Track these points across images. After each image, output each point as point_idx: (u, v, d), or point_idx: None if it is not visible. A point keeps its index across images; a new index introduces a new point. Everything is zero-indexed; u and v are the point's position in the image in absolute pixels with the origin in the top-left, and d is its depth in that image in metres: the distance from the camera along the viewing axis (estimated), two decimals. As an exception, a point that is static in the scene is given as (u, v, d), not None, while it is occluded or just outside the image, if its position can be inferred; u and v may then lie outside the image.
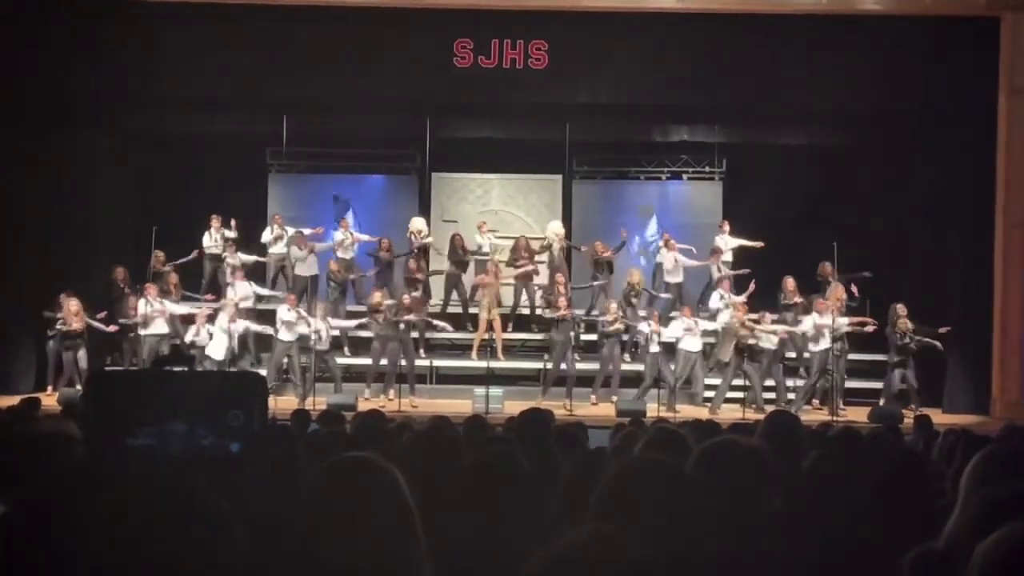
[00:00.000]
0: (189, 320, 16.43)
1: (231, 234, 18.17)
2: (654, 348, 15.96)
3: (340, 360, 16.94)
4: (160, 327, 16.19)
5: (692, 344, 16.13)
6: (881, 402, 16.03)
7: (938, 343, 15.82)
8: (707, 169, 19.55)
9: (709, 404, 15.98)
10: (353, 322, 16.74)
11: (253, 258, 17.93)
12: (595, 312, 17.19)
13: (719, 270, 17.73)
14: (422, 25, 16.49)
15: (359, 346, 17.19)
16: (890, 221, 18.92)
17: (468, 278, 18.20)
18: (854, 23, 16.43)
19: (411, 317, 16.21)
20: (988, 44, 16.19)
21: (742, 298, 16.56)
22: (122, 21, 16.18)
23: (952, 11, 16.18)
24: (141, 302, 16.20)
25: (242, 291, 16.84)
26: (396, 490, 2.55)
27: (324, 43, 16.56)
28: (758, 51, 16.41)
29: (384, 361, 16.32)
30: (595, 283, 17.80)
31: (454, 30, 16.49)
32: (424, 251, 18.07)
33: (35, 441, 3.03)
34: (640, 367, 16.69)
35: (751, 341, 15.99)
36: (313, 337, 15.86)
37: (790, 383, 16.42)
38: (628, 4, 16.29)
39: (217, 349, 15.89)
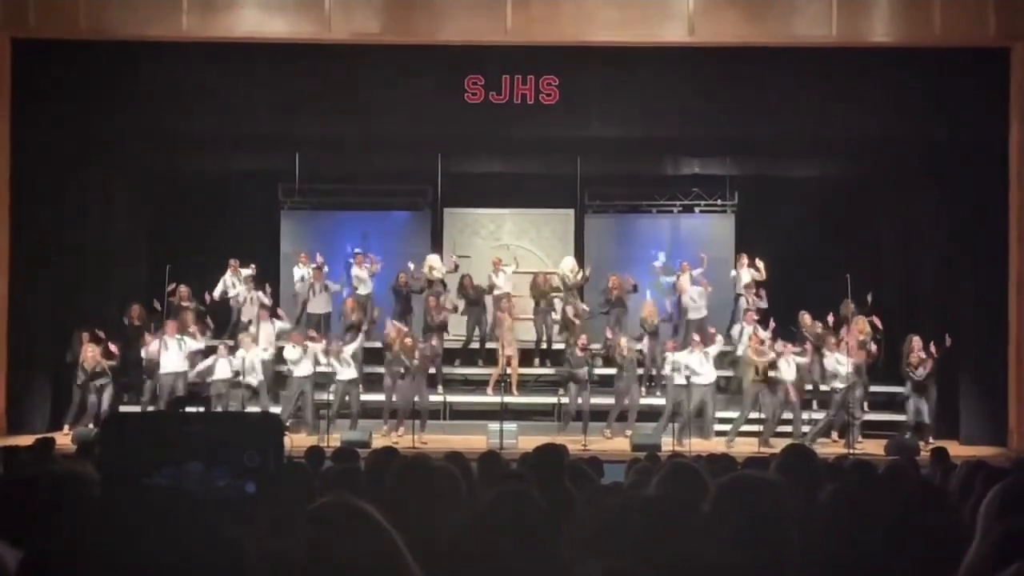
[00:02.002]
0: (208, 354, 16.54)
1: (248, 271, 18.19)
2: (678, 380, 15.95)
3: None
4: (177, 365, 16.19)
5: (703, 377, 16.09)
6: (907, 435, 15.87)
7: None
8: (719, 202, 19.54)
9: (724, 437, 15.94)
10: (352, 347, 16.65)
11: (271, 301, 17.89)
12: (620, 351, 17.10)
13: (747, 303, 17.69)
14: (433, 62, 16.58)
15: (373, 382, 17.18)
16: (903, 252, 18.88)
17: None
18: (864, 54, 16.48)
19: (415, 359, 16.18)
20: (999, 74, 16.21)
21: (767, 333, 16.51)
22: (135, 60, 16.32)
23: (962, 42, 16.21)
24: (155, 343, 16.24)
25: (265, 331, 16.88)
26: (376, 526, 2.52)
27: (336, 80, 16.65)
28: (769, 83, 16.45)
29: (395, 397, 16.34)
30: (604, 312, 17.76)
31: (465, 66, 16.57)
32: (443, 286, 18.06)
33: (51, 481, 3.03)
34: (654, 401, 16.72)
35: (771, 373, 15.93)
36: (324, 366, 16.02)
37: (805, 416, 16.35)
38: (638, 38, 16.35)
39: (253, 376, 16.13)
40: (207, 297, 17.78)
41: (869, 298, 17.05)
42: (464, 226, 20.18)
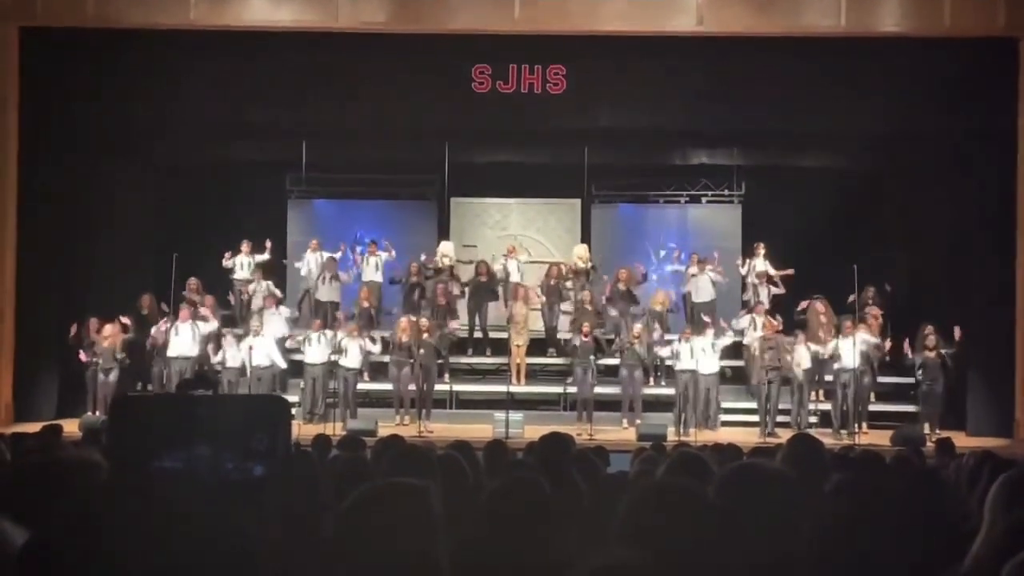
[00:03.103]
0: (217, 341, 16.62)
1: (263, 257, 18.27)
2: (681, 366, 15.97)
3: (360, 386, 16.99)
4: (187, 350, 16.22)
5: (707, 366, 16.10)
6: (926, 427, 15.85)
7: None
8: (726, 192, 19.51)
9: (733, 428, 15.96)
10: (376, 347, 16.77)
11: (279, 293, 17.94)
12: (622, 337, 17.11)
13: (757, 295, 17.67)
14: (440, 51, 16.56)
15: (379, 372, 17.21)
16: (911, 243, 18.84)
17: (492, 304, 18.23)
18: (873, 45, 16.42)
19: (426, 337, 16.25)
20: (1007, 64, 16.17)
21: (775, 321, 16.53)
22: (143, 49, 16.32)
23: (972, 32, 16.14)
24: (164, 325, 16.27)
25: (273, 320, 16.93)
26: (430, 519, 2.57)
27: (343, 69, 16.66)
28: (777, 74, 16.42)
29: (410, 387, 16.40)
30: (612, 313, 17.73)
31: (472, 55, 16.57)
32: (451, 274, 18.05)
33: (58, 468, 3.04)
34: (659, 391, 16.74)
35: (778, 364, 15.93)
36: (345, 358, 16.12)
37: (812, 407, 16.36)
38: (646, 28, 16.32)
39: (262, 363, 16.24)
40: (230, 297, 17.86)
41: (888, 287, 17.12)
42: (472, 216, 20.17)
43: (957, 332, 15.82)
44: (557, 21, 16.34)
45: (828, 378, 16.39)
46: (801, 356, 15.94)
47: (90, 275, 17.48)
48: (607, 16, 16.35)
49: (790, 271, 17.89)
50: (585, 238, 19.34)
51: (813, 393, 16.65)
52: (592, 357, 16.24)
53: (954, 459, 8.63)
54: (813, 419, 16.12)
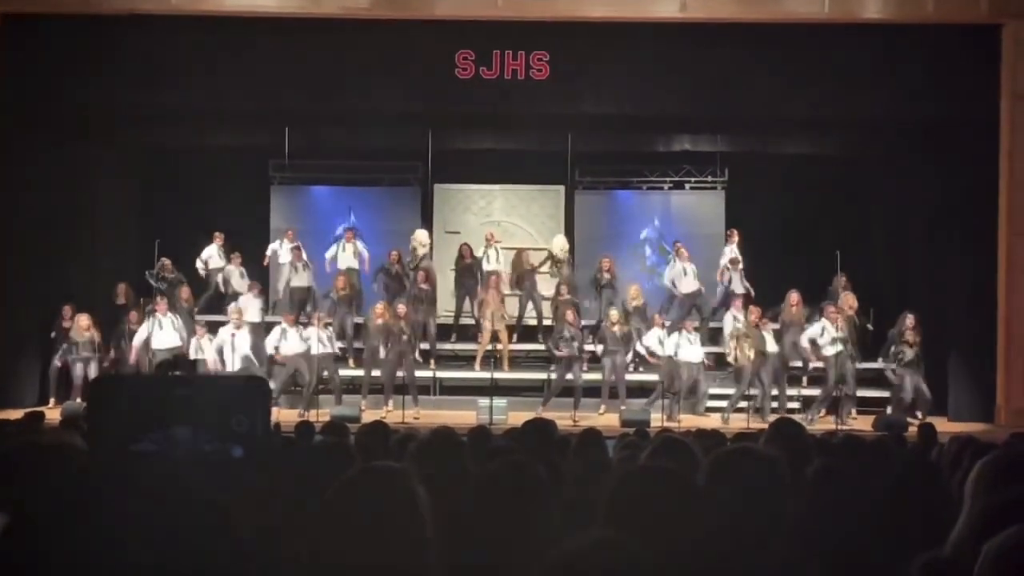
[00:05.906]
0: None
1: (237, 258, 18.21)
2: (662, 353, 16.00)
3: (343, 372, 16.94)
4: (171, 341, 16.13)
5: (693, 355, 16.13)
6: (888, 410, 15.98)
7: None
8: (709, 179, 19.52)
9: (720, 413, 15.98)
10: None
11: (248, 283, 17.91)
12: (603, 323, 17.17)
13: (736, 283, 17.65)
14: (424, 37, 16.51)
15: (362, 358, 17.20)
16: (893, 229, 18.91)
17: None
18: (856, 32, 16.44)
19: (402, 323, 16.22)
20: (990, 51, 16.20)
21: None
22: (122, 34, 16.21)
23: (954, 18, 16.18)
24: (144, 326, 16.19)
25: (253, 307, 16.89)
26: (415, 502, 2.57)
27: (326, 55, 16.58)
28: (760, 60, 16.40)
29: (376, 372, 16.35)
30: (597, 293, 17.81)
31: (456, 41, 16.50)
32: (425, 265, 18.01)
33: (38, 452, 3.02)
34: (642, 377, 16.76)
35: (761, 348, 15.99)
36: (315, 346, 15.99)
37: (793, 392, 16.42)
38: (629, 14, 16.30)
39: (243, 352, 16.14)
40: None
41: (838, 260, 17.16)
42: (455, 202, 20.13)
43: (909, 320, 15.94)
44: (540, 7, 16.30)
45: (811, 365, 16.43)
46: (769, 342, 16.02)
47: (71, 262, 17.39)
48: (591, 2, 16.34)
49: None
50: (568, 224, 19.35)
51: (805, 379, 16.71)
52: (576, 344, 16.23)
53: (936, 444, 8.66)
54: (793, 404, 16.17)
